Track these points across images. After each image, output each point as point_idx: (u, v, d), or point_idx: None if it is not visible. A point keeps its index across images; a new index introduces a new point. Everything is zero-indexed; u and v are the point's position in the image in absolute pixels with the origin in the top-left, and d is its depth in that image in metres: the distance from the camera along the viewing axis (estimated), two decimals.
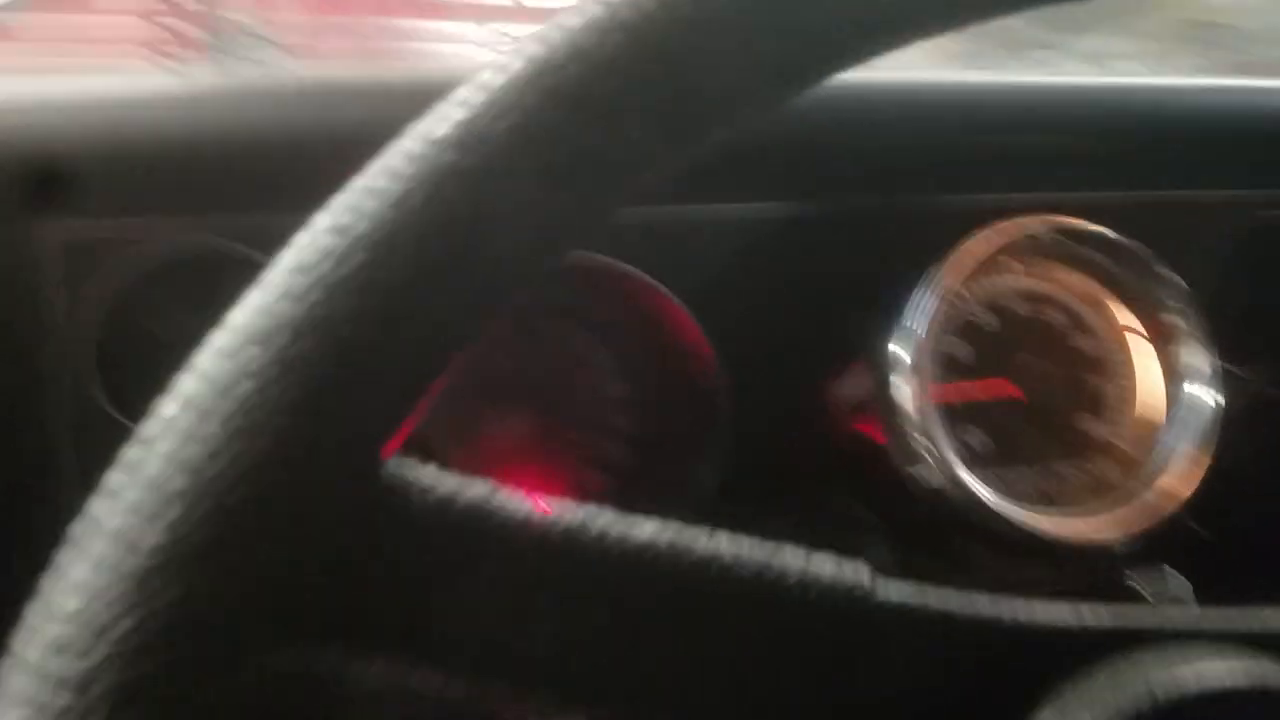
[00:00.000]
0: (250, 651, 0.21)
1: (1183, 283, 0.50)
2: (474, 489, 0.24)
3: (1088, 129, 0.55)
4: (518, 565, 0.24)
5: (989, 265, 0.50)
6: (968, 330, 0.50)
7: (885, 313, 0.48)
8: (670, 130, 0.23)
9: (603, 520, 0.24)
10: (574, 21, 0.22)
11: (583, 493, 0.51)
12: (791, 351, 0.51)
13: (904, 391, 0.47)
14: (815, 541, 0.28)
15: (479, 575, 0.23)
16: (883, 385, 0.48)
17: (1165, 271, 0.50)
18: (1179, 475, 0.49)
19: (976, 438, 0.50)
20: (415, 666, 0.23)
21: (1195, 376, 0.50)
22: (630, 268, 0.48)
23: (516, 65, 0.22)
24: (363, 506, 0.22)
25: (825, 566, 0.25)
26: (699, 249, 0.50)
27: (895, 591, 0.25)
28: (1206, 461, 0.49)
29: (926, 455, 0.46)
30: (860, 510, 0.53)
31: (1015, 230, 0.49)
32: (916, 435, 0.47)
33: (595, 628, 0.24)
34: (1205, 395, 0.50)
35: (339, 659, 0.22)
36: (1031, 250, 0.50)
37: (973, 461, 0.49)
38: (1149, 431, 0.50)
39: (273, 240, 0.22)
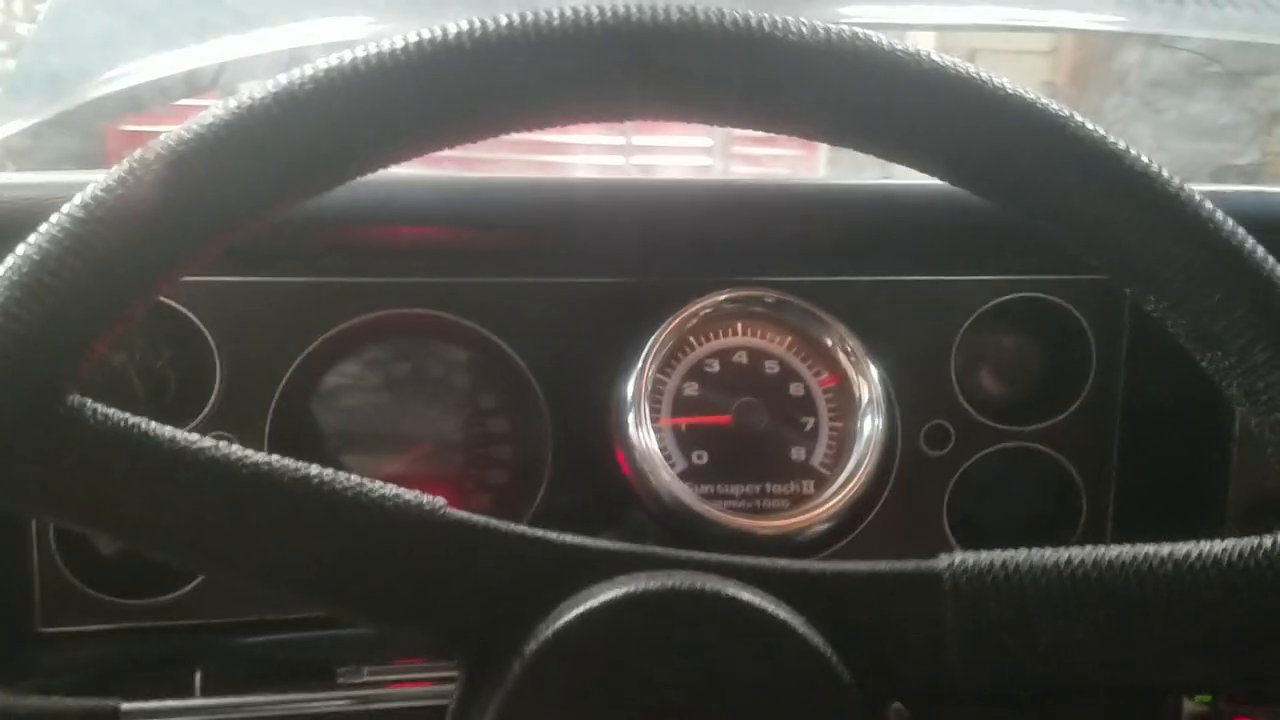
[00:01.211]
0: None
1: (857, 341, 0.65)
2: (132, 419, 0.37)
3: (810, 221, 0.69)
4: (162, 472, 0.36)
5: (712, 323, 0.64)
6: (695, 373, 0.65)
7: (626, 358, 0.63)
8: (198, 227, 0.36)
9: (230, 448, 0.37)
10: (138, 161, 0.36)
11: (475, 510, 0.65)
12: (594, 394, 0.65)
13: (629, 420, 0.61)
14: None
15: (130, 472, 0.36)
16: (619, 416, 0.62)
17: (844, 332, 0.65)
18: (855, 485, 0.64)
19: (703, 459, 0.64)
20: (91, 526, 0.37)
21: (867, 411, 0.65)
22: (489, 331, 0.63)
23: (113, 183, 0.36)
24: (45, 426, 0.35)
25: (407, 494, 0.39)
26: (530, 315, 0.64)
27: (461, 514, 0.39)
28: (872, 473, 0.64)
29: (647, 470, 0.61)
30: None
31: (730, 296, 0.64)
32: (638, 456, 0.61)
33: (225, 516, 0.37)
34: (872, 425, 0.64)
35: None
36: (744, 314, 0.65)
37: (699, 477, 0.64)
38: (836, 455, 0.65)
39: None
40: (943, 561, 0.41)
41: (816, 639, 0.39)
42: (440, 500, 0.39)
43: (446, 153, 0.39)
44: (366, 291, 0.63)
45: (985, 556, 0.41)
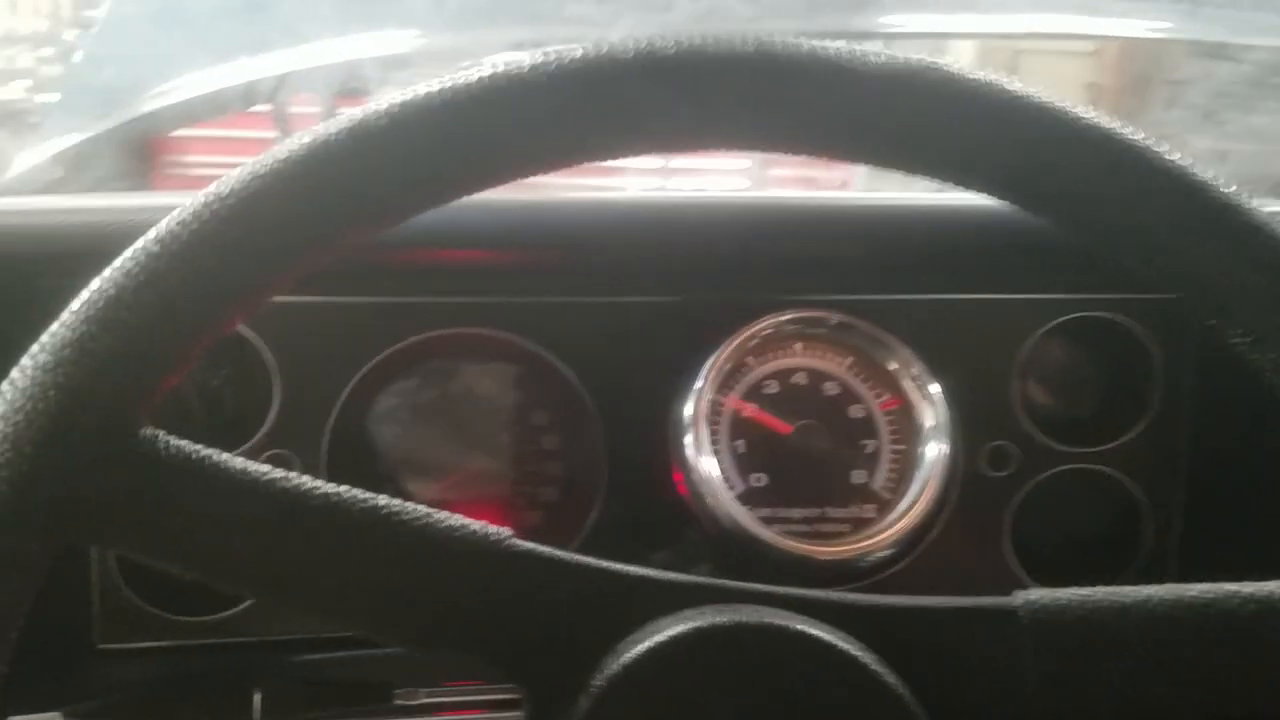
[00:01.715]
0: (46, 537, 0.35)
1: (919, 363, 0.64)
2: (204, 450, 0.37)
3: (872, 240, 0.68)
4: (233, 504, 0.37)
5: (771, 343, 0.64)
6: (753, 394, 0.64)
7: (682, 379, 0.62)
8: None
9: (300, 479, 0.37)
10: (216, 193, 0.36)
11: (527, 530, 0.65)
12: (649, 414, 0.64)
13: (688, 441, 0.60)
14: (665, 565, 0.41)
15: (201, 505, 0.36)
16: (676, 437, 0.61)
17: (907, 354, 0.64)
18: (917, 510, 0.63)
19: (761, 482, 0.63)
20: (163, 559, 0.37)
21: (931, 435, 0.63)
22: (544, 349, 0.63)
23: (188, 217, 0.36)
24: (119, 459, 0.35)
25: (474, 524, 0.38)
26: (585, 334, 0.64)
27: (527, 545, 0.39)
28: (935, 498, 0.62)
29: (705, 493, 0.60)
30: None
31: (794, 318, 0.63)
32: (697, 478, 0.60)
33: (294, 548, 0.37)
34: (936, 449, 0.63)
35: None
36: (804, 335, 0.64)
37: (757, 500, 0.63)
38: (899, 479, 0.64)
39: None
40: (1018, 598, 0.40)
41: (889, 677, 0.39)
42: (506, 531, 0.39)
43: None
44: (422, 311, 0.63)
45: (1063, 594, 0.40)
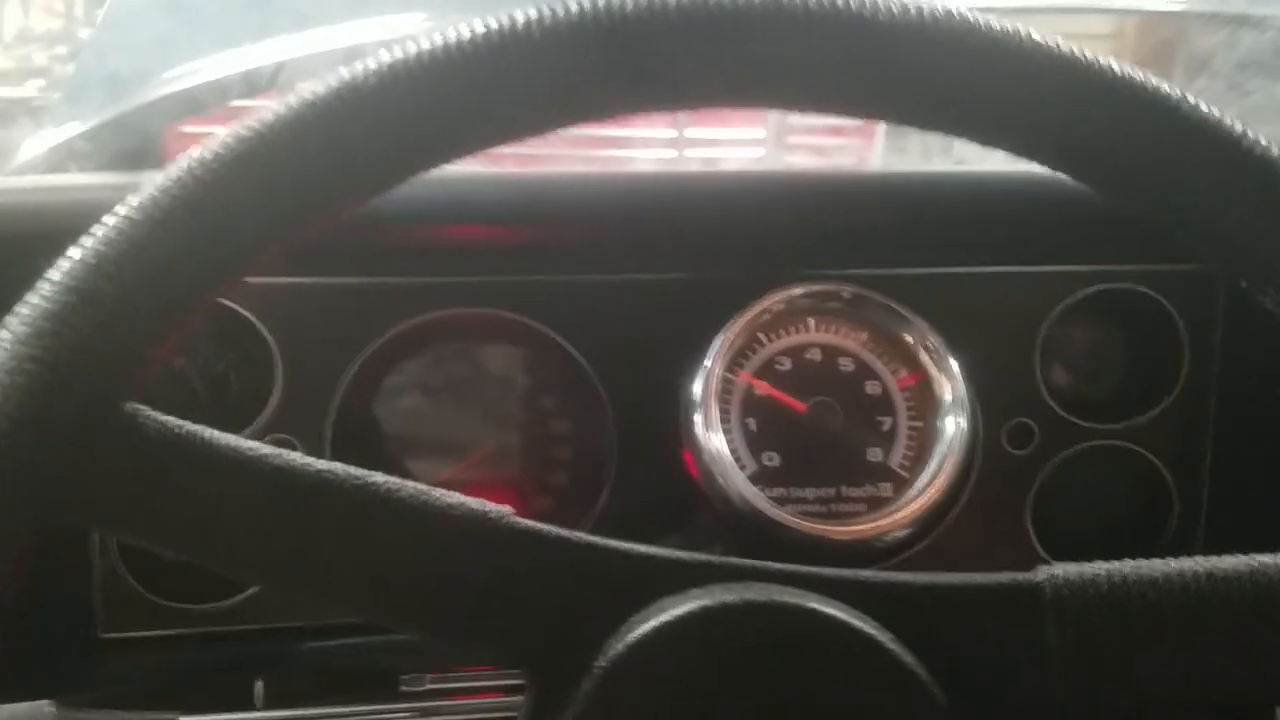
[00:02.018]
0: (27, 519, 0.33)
1: (938, 338, 0.62)
2: (192, 427, 0.35)
3: (887, 212, 0.66)
4: (221, 482, 0.35)
5: (783, 319, 0.62)
6: (765, 372, 0.62)
7: (692, 357, 0.61)
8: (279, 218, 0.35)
9: (292, 456, 0.36)
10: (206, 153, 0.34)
11: (537, 513, 0.64)
12: (660, 393, 0.63)
13: (697, 420, 0.59)
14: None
15: (190, 483, 0.35)
16: (686, 416, 0.60)
17: (924, 328, 0.62)
18: (936, 488, 0.61)
19: (774, 461, 0.62)
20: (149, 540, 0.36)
21: (949, 410, 0.62)
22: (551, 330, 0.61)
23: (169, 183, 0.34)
24: (101, 436, 0.34)
25: (472, 502, 0.37)
26: (592, 312, 0.63)
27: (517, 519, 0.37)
28: (953, 475, 0.61)
29: (716, 473, 0.58)
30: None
31: (805, 291, 0.62)
32: (707, 458, 0.59)
33: (287, 526, 0.36)
34: (955, 425, 0.61)
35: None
36: (818, 310, 0.62)
37: (770, 480, 0.61)
38: (916, 456, 0.62)
39: None
40: (1042, 574, 0.38)
41: (907, 657, 0.37)
42: (506, 509, 0.37)
43: (505, 149, 0.37)
44: (426, 291, 0.62)
45: (1088, 569, 0.38)
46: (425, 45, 0.34)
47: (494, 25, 0.34)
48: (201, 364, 0.63)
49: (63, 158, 1.04)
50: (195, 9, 1.15)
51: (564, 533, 0.38)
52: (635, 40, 0.34)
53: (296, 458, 0.36)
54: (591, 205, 0.62)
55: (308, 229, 0.36)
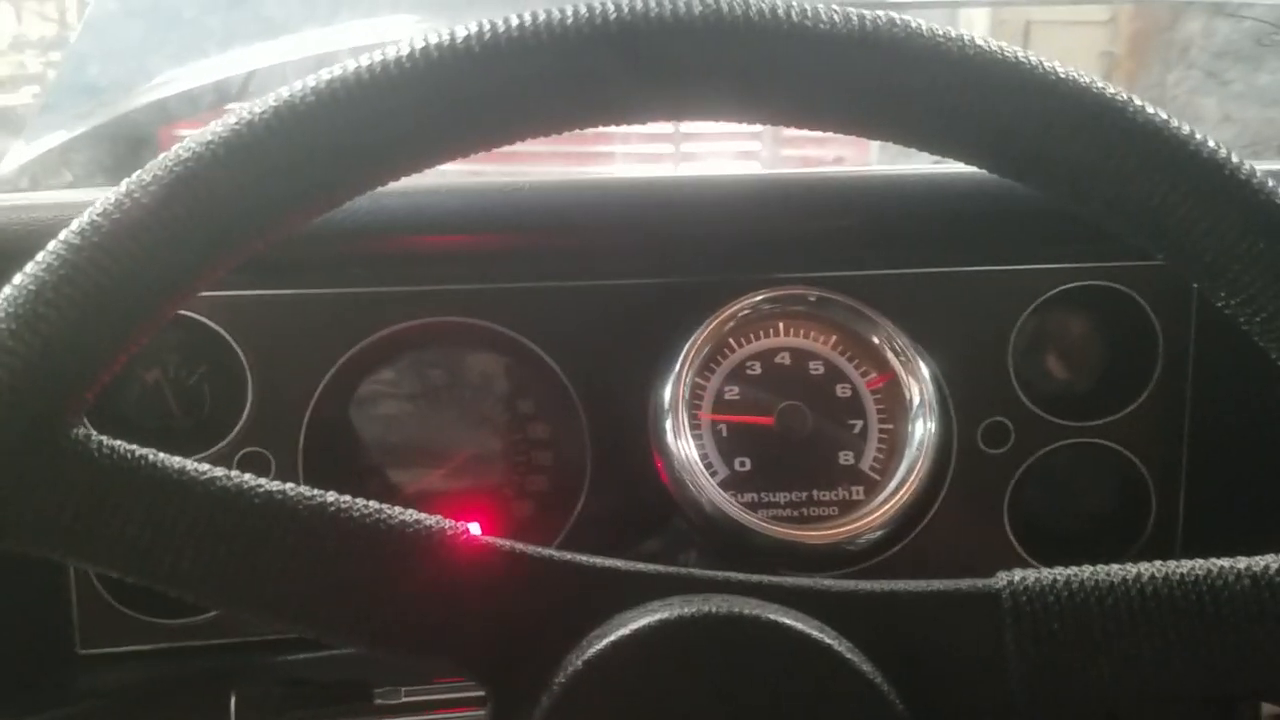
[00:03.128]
0: None
1: (907, 339, 0.62)
2: (140, 450, 0.35)
3: (855, 213, 0.66)
4: (171, 505, 0.35)
5: (752, 323, 0.62)
6: (735, 376, 0.62)
7: (662, 362, 0.61)
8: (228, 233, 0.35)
9: (242, 477, 0.36)
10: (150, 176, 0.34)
11: (515, 520, 0.64)
12: (632, 399, 0.63)
13: (666, 426, 0.59)
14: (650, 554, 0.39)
15: (137, 507, 0.35)
16: (656, 423, 0.60)
17: (891, 329, 0.62)
18: (908, 490, 0.61)
19: (745, 466, 0.62)
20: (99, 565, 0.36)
21: (919, 412, 0.61)
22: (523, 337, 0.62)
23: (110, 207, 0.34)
24: (54, 453, 0.34)
25: (428, 519, 0.37)
26: (563, 319, 0.63)
27: (474, 535, 0.37)
28: (925, 476, 0.61)
29: (686, 480, 0.58)
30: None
31: (769, 296, 0.61)
32: (677, 464, 0.58)
33: (237, 548, 0.36)
34: (925, 427, 0.61)
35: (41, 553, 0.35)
36: (786, 314, 0.62)
37: (741, 485, 0.61)
38: (887, 458, 0.62)
39: None
40: (1000, 580, 0.38)
41: (865, 666, 0.37)
42: (462, 525, 0.37)
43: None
44: (398, 300, 0.61)
45: (1046, 574, 0.38)
46: (365, 60, 0.34)
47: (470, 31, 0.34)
48: (174, 378, 0.63)
49: (49, 167, 1.04)
50: (177, 16, 1.14)
51: (521, 547, 0.38)
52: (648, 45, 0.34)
53: (247, 478, 0.36)
54: (559, 212, 0.62)
55: (250, 249, 0.35)
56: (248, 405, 0.60)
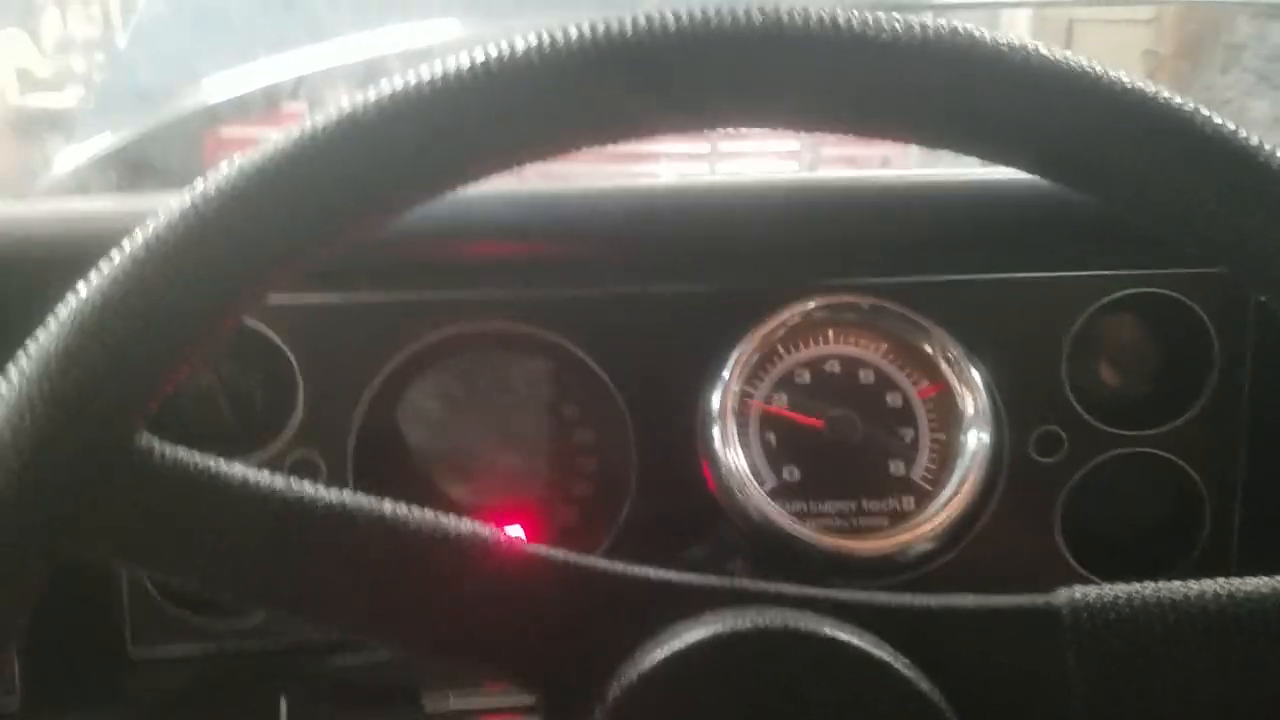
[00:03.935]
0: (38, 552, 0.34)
1: (959, 347, 0.61)
2: (202, 458, 0.35)
3: (906, 219, 0.65)
4: (233, 514, 0.35)
5: (801, 331, 0.61)
6: (784, 384, 0.62)
7: (710, 370, 0.60)
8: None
9: (303, 485, 0.36)
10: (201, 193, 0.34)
11: (560, 526, 0.64)
12: (680, 406, 0.63)
13: (715, 435, 0.58)
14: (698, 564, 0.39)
15: (199, 516, 0.35)
16: (704, 431, 0.59)
17: (944, 338, 0.61)
18: (960, 500, 0.60)
19: (794, 476, 0.61)
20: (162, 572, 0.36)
21: (972, 421, 0.61)
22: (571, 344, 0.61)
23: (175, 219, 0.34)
24: (119, 464, 0.34)
25: (484, 529, 0.37)
26: (611, 326, 0.62)
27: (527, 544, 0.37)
28: (978, 487, 0.60)
29: (734, 488, 0.58)
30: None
31: (820, 304, 0.61)
32: (724, 473, 0.58)
33: (297, 557, 0.36)
34: (977, 437, 0.60)
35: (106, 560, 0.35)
36: (836, 322, 0.62)
37: (790, 495, 0.61)
38: (939, 468, 0.61)
39: None
40: (1061, 596, 0.38)
41: (922, 683, 0.37)
42: (517, 535, 0.38)
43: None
44: (445, 307, 0.62)
45: (1108, 590, 0.38)
46: (428, 73, 0.34)
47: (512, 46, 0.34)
48: (227, 383, 0.64)
49: (97, 171, 1.05)
50: (225, 20, 1.15)
51: (574, 556, 0.38)
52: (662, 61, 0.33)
53: (307, 487, 0.36)
54: (607, 219, 0.62)
55: (312, 260, 0.36)
56: (298, 410, 0.61)
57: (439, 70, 0.34)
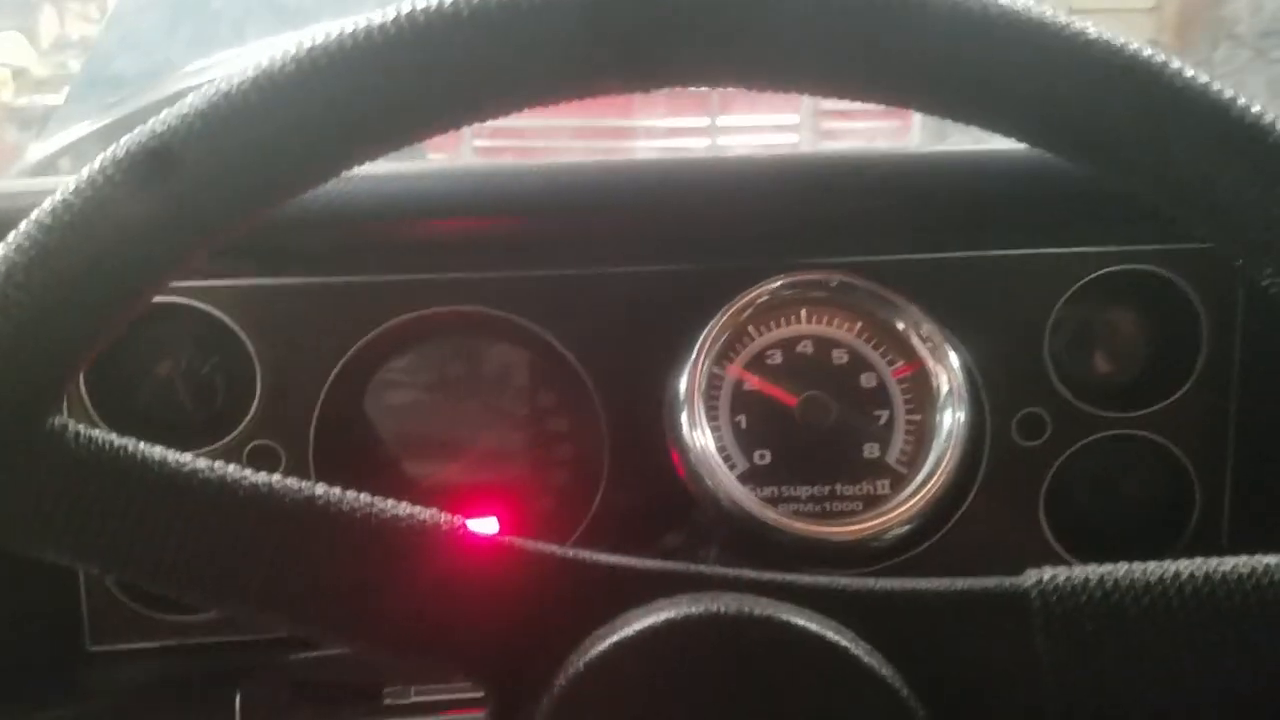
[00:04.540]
0: None
1: (935, 326, 0.59)
2: (120, 440, 0.34)
3: (883, 195, 0.63)
4: (152, 497, 0.34)
5: (772, 311, 0.59)
6: (755, 366, 0.60)
7: (679, 352, 0.58)
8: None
9: (226, 468, 0.34)
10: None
11: (533, 514, 0.63)
12: (650, 389, 0.61)
13: (682, 419, 0.57)
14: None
15: (115, 499, 0.33)
16: (671, 414, 0.57)
17: (918, 315, 0.59)
18: (937, 483, 0.58)
19: (765, 459, 0.59)
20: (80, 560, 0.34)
21: (948, 402, 0.59)
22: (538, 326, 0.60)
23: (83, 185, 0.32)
24: (28, 445, 0.33)
25: (422, 512, 0.35)
26: (579, 307, 0.61)
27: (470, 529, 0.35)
28: (955, 469, 0.58)
29: (703, 473, 0.56)
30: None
31: (788, 282, 0.59)
32: (693, 458, 0.56)
33: (222, 542, 0.34)
34: (954, 418, 0.58)
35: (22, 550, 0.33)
36: (808, 301, 0.60)
37: (761, 479, 0.59)
38: (915, 450, 0.59)
39: None
40: (1030, 578, 0.36)
41: (884, 669, 0.35)
42: (458, 518, 0.36)
43: (506, 142, 0.35)
44: (408, 290, 0.60)
45: (1079, 573, 0.36)
46: (349, 28, 0.32)
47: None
48: (185, 371, 0.62)
49: (69, 159, 1.04)
50: (199, 10, 1.14)
51: (520, 541, 0.36)
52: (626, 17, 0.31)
53: (231, 469, 0.35)
54: (571, 197, 0.60)
55: (231, 232, 0.34)
56: (256, 397, 0.59)
57: (357, 27, 0.32)
